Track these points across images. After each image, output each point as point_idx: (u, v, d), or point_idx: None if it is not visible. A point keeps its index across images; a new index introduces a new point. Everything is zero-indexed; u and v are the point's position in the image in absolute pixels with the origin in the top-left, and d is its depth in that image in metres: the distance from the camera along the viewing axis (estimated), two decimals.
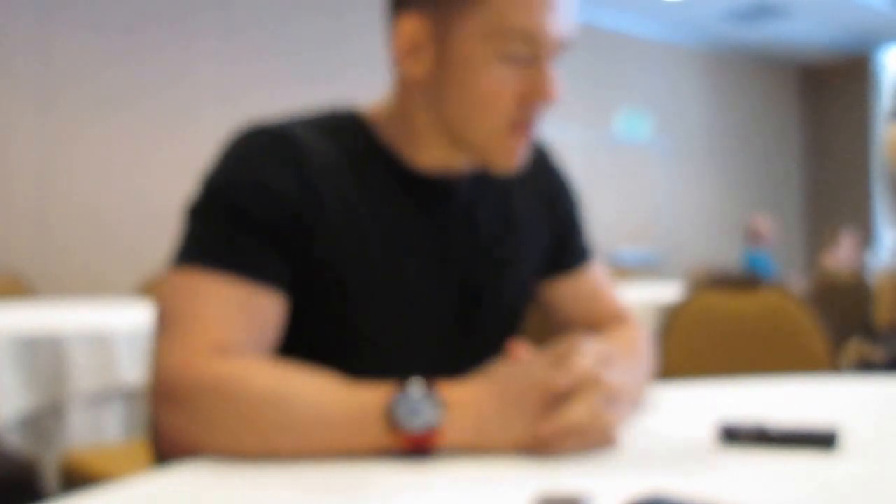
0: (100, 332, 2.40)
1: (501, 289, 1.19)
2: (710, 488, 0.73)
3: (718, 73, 10.15)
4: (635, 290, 4.96)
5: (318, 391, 0.86)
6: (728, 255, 9.14)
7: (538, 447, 0.83)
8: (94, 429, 2.39)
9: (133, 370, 2.41)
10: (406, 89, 1.10)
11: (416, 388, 0.84)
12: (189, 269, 0.97)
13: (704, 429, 0.95)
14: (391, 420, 0.82)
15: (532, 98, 1.03)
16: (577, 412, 0.84)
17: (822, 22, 9.15)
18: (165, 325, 0.95)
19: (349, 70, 6.76)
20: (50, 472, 2.25)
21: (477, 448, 0.84)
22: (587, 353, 0.88)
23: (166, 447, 0.92)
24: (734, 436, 0.89)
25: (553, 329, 1.28)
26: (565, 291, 1.29)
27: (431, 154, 1.11)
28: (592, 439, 0.85)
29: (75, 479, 2.10)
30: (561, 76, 1.04)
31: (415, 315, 1.10)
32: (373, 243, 1.06)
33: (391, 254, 1.08)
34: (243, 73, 6.44)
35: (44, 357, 2.30)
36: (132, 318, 2.67)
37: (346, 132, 1.11)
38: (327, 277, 1.04)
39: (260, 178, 1.01)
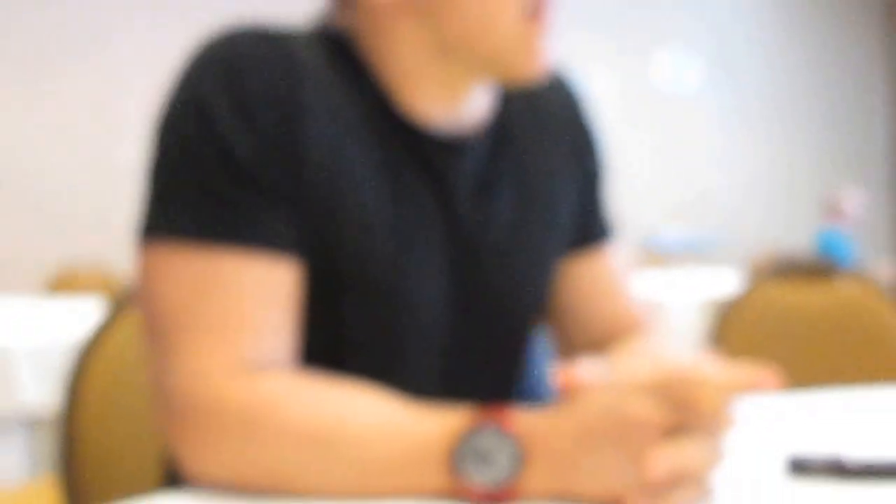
0: None
1: (513, 282, 1.15)
2: None
3: (785, 4, 10.15)
4: (679, 282, 4.96)
5: (368, 424, 0.87)
6: (798, 236, 9.13)
7: (642, 499, 0.79)
8: None
9: (37, 393, 2.40)
10: (382, 21, 1.07)
11: (487, 427, 0.82)
12: (182, 243, 0.93)
13: (769, 456, 0.95)
14: (456, 469, 0.82)
15: None
16: (697, 453, 0.79)
17: None
18: (168, 327, 0.93)
19: None
20: None
21: (561, 500, 0.82)
22: (711, 383, 0.80)
23: (187, 476, 0.92)
24: (805, 468, 0.89)
25: (546, 319, 1.25)
26: (575, 275, 1.24)
27: (429, 95, 1.08)
28: (703, 489, 0.81)
29: None
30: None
31: (412, 306, 1.06)
32: (367, 200, 1.03)
33: (385, 210, 1.04)
34: (176, 39, 6.43)
35: None
36: (38, 324, 2.65)
37: (341, 58, 1.08)
38: (311, 242, 1.00)
39: (255, 105, 0.96)
